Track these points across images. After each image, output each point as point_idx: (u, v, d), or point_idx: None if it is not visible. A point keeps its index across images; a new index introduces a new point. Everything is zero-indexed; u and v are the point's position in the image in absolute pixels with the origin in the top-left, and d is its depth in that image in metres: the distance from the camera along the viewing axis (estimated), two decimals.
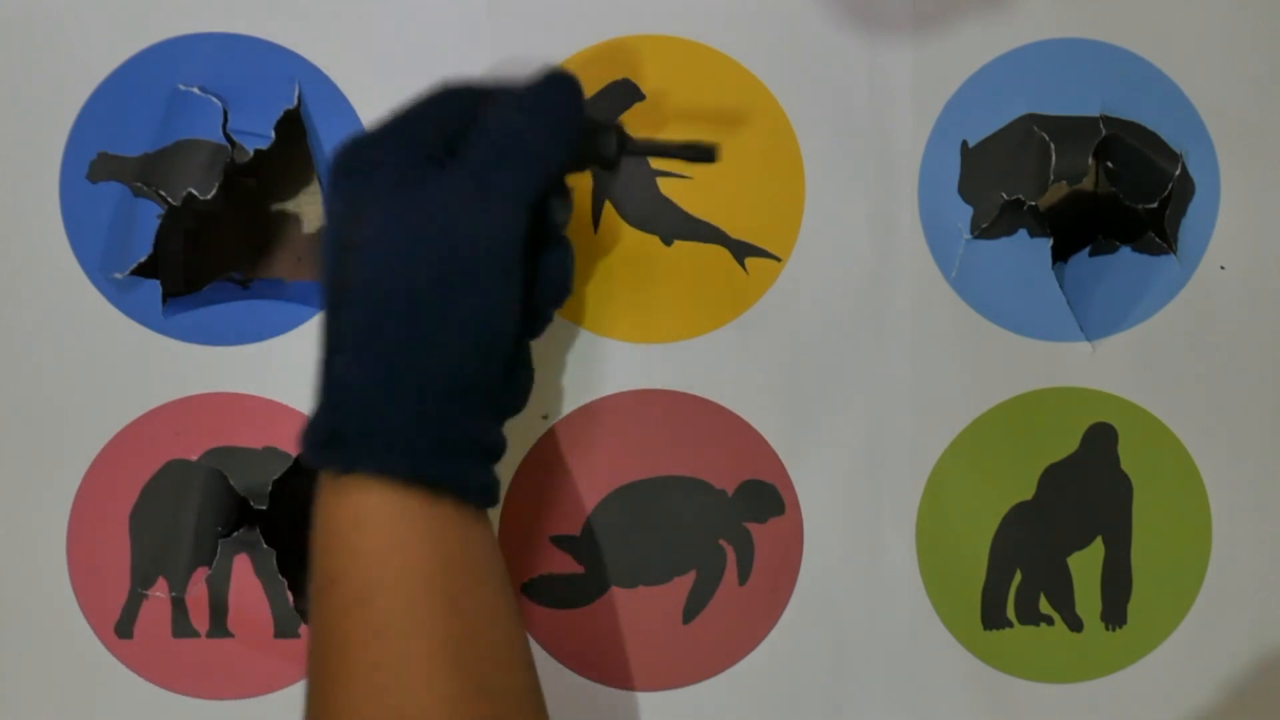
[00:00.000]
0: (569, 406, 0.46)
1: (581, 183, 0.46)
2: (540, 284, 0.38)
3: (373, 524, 0.34)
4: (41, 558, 0.46)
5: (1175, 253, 0.47)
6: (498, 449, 0.38)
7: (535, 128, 0.36)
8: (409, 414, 0.35)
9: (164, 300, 0.45)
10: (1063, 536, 0.48)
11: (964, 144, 0.47)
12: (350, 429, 0.35)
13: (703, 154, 0.39)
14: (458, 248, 0.34)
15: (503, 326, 0.36)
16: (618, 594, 0.47)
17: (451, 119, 0.37)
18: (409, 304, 0.34)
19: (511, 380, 0.38)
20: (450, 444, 0.35)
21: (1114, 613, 0.49)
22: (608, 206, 0.46)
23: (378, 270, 0.34)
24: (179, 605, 0.46)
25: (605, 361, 0.46)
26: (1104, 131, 0.46)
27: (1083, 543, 0.49)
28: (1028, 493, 0.48)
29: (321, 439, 0.35)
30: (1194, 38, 0.47)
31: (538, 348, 0.46)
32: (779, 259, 0.47)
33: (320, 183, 0.45)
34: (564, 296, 0.39)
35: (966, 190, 0.47)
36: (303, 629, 0.46)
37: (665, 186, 0.46)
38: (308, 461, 0.36)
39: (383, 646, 0.34)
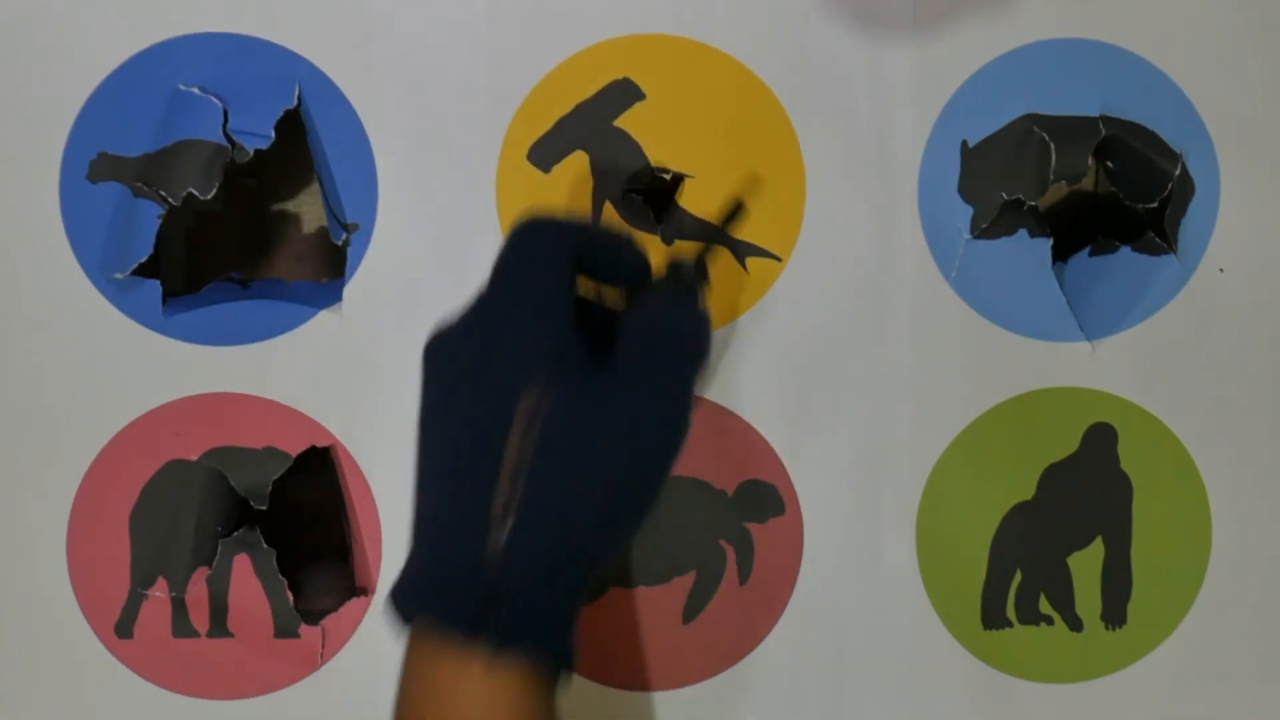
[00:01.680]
0: None
1: (581, 182, 0.46)
2: None
3: (512, 698, 0.34)
4: (41, 558, 0.46)
5: (1175, 253, 0.47)
6: None
7: (690, 333, 0.37)
8: (567, 594, 0.34)
9: (164, 300, 0.45)
10: (1063, 536, 0.48)
11: (964, 144, 0.47)
12: (512, 604, 0.33)
13: (737, 213, 0.43)
14: (643, 439, 0.35)
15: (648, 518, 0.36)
16: (618, 594, 0.47)
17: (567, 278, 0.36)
18: (600, 487, 0.34)
19: None
20: (570, 623, 0.35)
21: (1114, 613, 0.49)
22: (608, 207, 0.46)
23: (567, 448, 0.34)
24: (179, 605, 0.46)
25: None
26: (1104, 131, 0.46)
27: (1083, 543, 0.49)
28: (1028, 493, 0.48)
29: (471, 611, 0.33)
30: (1194, 38, 0.47)
31: None
32: (779, 259, 0.47)
33: (321, 183, 0.45)
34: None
35: (966, 190, 0.47)
36: (303, 629, 0.46)
37: None
38: (445, 623, 0.34)
39: None
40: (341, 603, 0.46)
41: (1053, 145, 0.45)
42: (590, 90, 0.45)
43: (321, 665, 0.47)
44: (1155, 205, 0.47)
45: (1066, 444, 0.48)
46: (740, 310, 0.47)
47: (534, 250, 0.36)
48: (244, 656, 0.46)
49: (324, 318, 0.46)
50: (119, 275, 0.44)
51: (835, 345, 0.47)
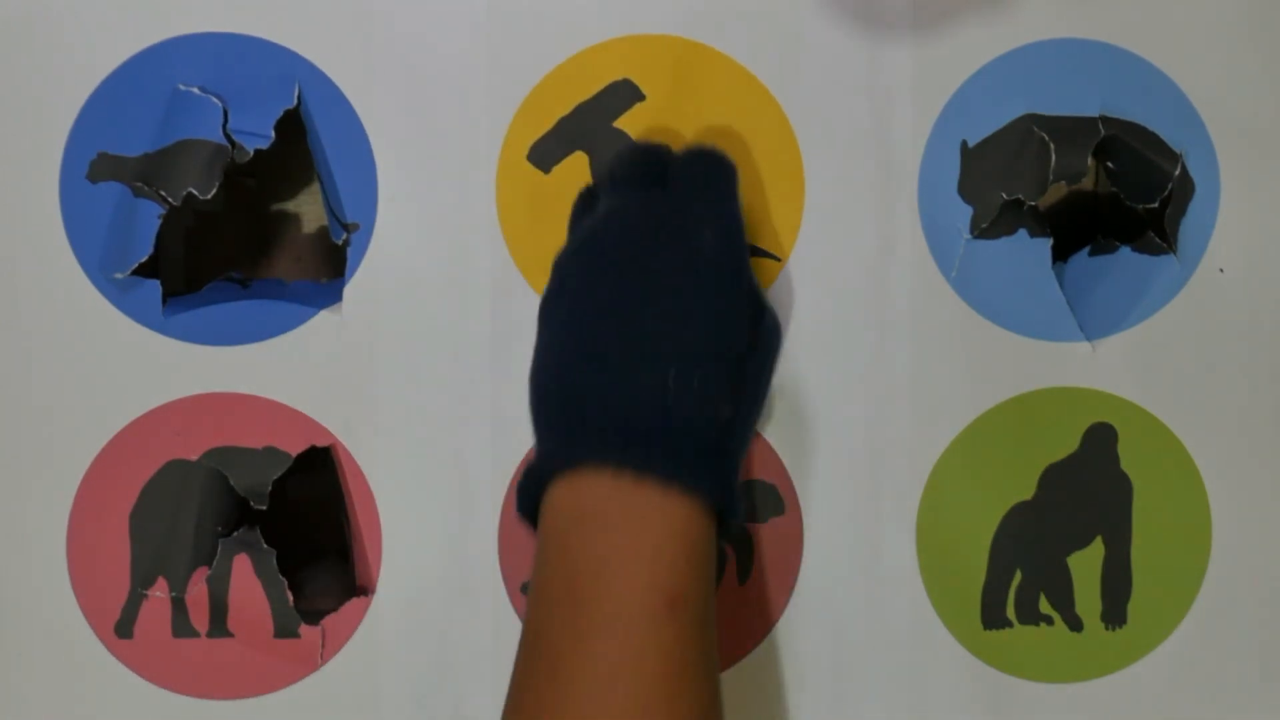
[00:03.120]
0: None
1: (581, 182, 0.46)
2: None
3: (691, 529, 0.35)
4: (41, 558, 0.46)
5: (1175, 253, 0.47)
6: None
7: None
8: (729, 437, 0.37)
9: (164, 300, 0.45)
10: (1063, 536, 0.48)
11: (964, 144, 0.47)
12: (685, 442, 0.35)
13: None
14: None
15: None
16: None
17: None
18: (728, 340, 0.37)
19: None
20: (734, 471, 0.37)
21: (1114, 613, 0.49)
22: None
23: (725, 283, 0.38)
24: (179, 605, 0.46)
25: None
26: (1104, 131, 0.46)
27: (1083, 543, 0.49)
28: (1028, 493, 0.48)
29: (666, 451, 0.35)
30: (1194, 38, 0.47)
31: None
32: (779, 259, 0.47)
33: (321, 183, 0.45)
34: None
35: (966, 190, 0.47)
36: (303, 629, 0.46)
37: None
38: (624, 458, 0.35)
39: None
40: (341, 603, 0.46)
41: (1053, 145, 0.45)
42: (590, 90, 0.45)
43: (321, 665, 0.47)
44: (1155, 205, 0.47)
45: (1066, 444, 0.48)
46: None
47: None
48: (244, 656, 0.46)
49: (324, 318, 0.46)
50: (119, 275, 0.44)
51: (835, 345, 0.47)
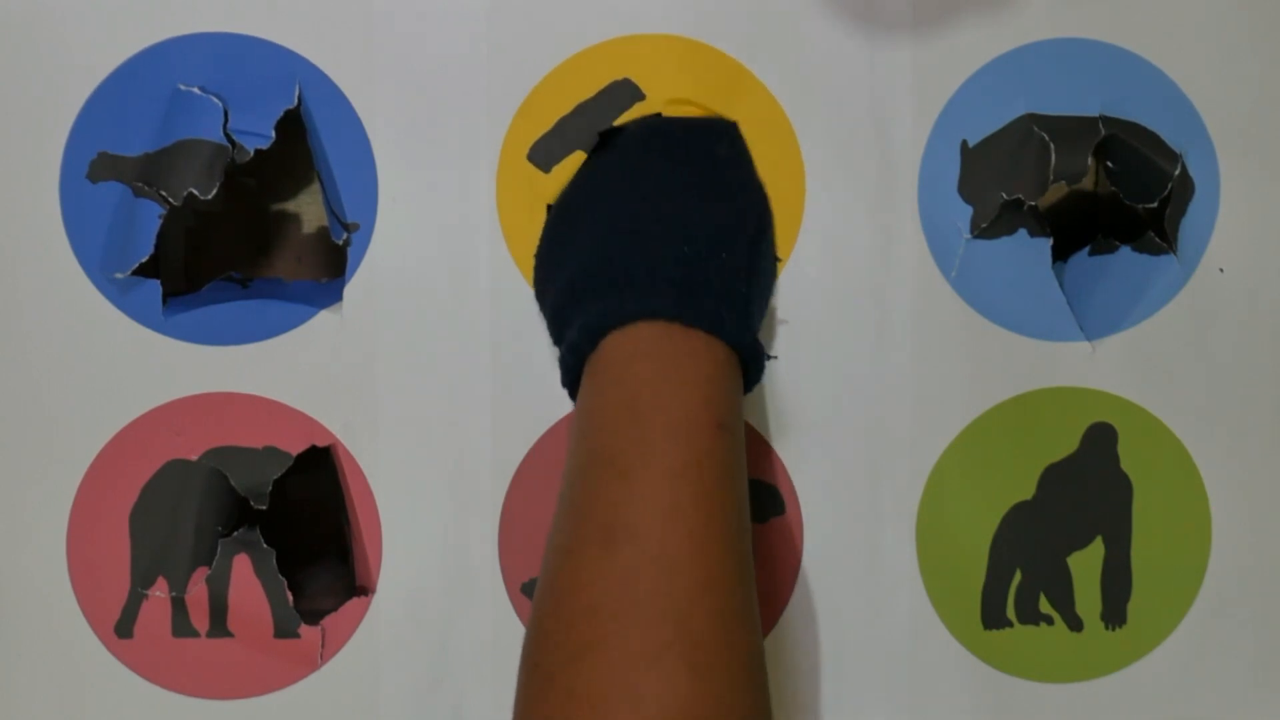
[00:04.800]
0: (570, 405, 0.46)
1: None
2: None
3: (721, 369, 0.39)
4: (41, 558, 0.46)
5: (1175, 253, 0.47)
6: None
7: None
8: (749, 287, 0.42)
9: (164, 300, 0.45)
10: (1063, 536, 0.48)
11: (964, 144, 0.47)
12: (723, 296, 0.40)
13: None
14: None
15: None
16: None
17: None
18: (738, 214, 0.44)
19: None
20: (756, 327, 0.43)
21: (1114, 613, 0.49)
22: None
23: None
24: (179, 605, 0.46)
25: None
26: (1104, 131, 0.46)
27: (1083, 543, 0.49)
28: (1028, 493, 0.48)
29: (706, 304, 0.39)
30: (1194, 38, 0.47)
31: (538, 348, 0.46)
32: (779, 259, 0.47)
33: (321, 183, 0.45)
34: None
35: (966, 190, 0.47)
36: (303, 629, 0.46)
37: None
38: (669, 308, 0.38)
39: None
40: (341, 603, 0.46)
41: (1052, 145, 0.45)
42: (590, 90, 0.45)
43: (321, 665, 0.47)
44: (1155, 205, 0.47)
45: (1066, 444, 0.48)
46: None
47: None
48: (244, 656, 0.46)
49: (324, 318, 0.46)
50: (119, 275, 0.44)
51: (835, 345, 0.47)
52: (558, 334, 0.42)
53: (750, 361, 0.40)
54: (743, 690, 0.33)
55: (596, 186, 0.44)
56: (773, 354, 0.46)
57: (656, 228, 0.41)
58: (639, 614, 0.33)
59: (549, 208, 0.45)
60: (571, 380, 0.40)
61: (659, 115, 0.45)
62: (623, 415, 0.37)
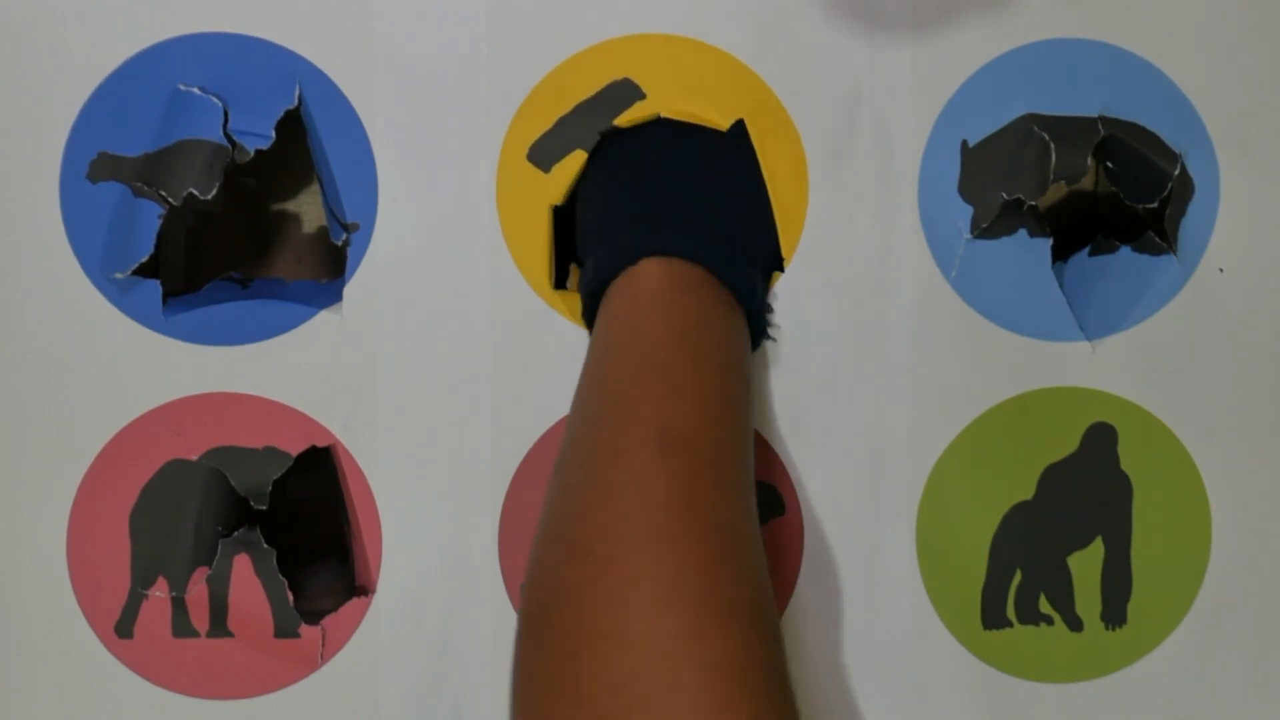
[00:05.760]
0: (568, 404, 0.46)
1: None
2: None
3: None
4: (41, 558, 0.46)
5: (1175, 253, 0.47)
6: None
7: None
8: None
9: (164, 300, 0.45)
10: (1063, 536, 0.48)
11: (964, 144, 0.47)
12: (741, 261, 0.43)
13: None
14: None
15: None
16: None
17: None
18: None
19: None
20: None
21: (1114, 613, 0.49)
22: None
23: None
24: (179, 605, 0.46)
25: None
26: (1103, 131, 0.46)
27: (1083, 543, 0.49)
28: (1028, 492, 0.48)
29: (730, 251, 0.43)
30: (1194, 38, 0.47)
31: (538, 348, 0.46)
32: (780, 258, 0.47)
33: (321, 183, 0.45)
34: None
35: (966, 190, 0.47)
36: (303, 629, 0.46)
37: None
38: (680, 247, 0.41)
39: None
40: (341, 603, 0.46)
41: (1052, 145, 0.45)
42: (590, 90, 0.45)
43: (321, 665, 0.47)
44: (1155, 205, 0.47)
45: (1066, 444, 0.48)
46: None
47: None
48: (244, 656, 0.46)
49: (324, 318, 0.46)
50: (119, 275, 0.44)
51: (835, 345, 0.47)
52: (599, 245, 0.43)
53: (757, 332, 0.44)
54: (772, 598, 0.36)
55: (630, 150, 0.46)
56: (772, 335, 0.47)
57: (687, 190, 0.44)
58: (697, 519, 0.34)
59: (553, 208, 0.46)
60: (593, 308, 0.42)
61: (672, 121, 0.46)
62: (674, 340, 0.39)
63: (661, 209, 0.43)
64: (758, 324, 0.44)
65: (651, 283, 0.41)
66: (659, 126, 0.45)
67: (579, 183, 0.46)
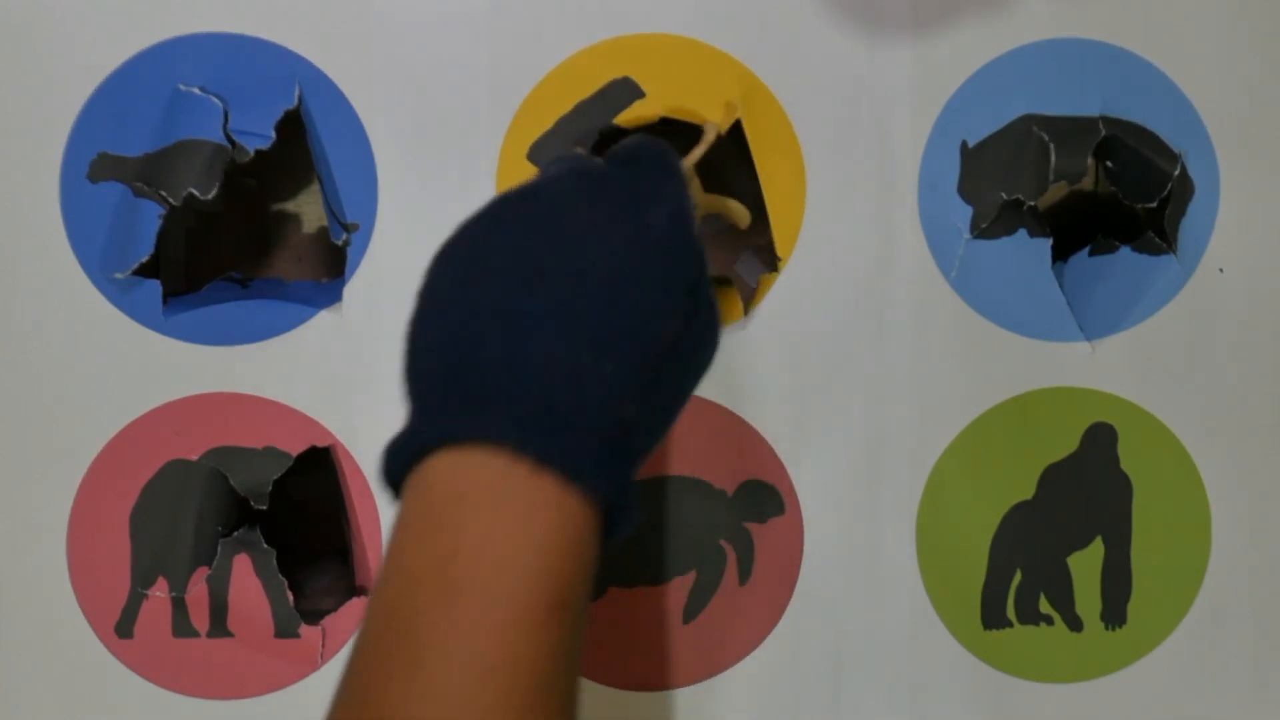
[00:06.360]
0: None
1: None
2: None
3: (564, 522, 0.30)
4: (41, 558, 0.46)
5: (1175, 253, 0.47)
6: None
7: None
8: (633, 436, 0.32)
9: (164, 300, 0.45)
10: (1063, 536, 0.48)
11: (964, 144, 0.47)
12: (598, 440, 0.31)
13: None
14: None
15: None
16: (617, 594, 0.47)
17: None
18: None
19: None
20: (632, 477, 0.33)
21: (1114, 613, 0.49)
22: None
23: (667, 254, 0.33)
24: (179, 605, 0.46)
25: None
26: (1103, 131, 0.46)
27: (1083, 543, 0.49)
28: (1028, 493, 0.48)
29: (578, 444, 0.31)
30: (1194, 38, 0.47)
31: None
32: (779, 258, 0.47)
33: (321, 183, 0.45)
34: None
35: (966, 190, 0.47)
36: (303, 629, 0.46)
37: None
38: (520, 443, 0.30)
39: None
40: (341, 603, 0.46)
41: (1052, 145, 0.45)
42: (590, 90, 0.45)
43: (321, 665, 0.47)
44: (1155, 205, 0.47)
45: (1066, 444, 0.48)
46: (737, 316, 0.47)
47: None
48: (244, 656, 0.46)
49: (324, 318, 0.46)
50: (119, 275, 0.44)
51: (835, 345, 0.47)
52: (407, 396, 0.34)
53: (617, 517, 0.31)
54: None
55: (478, 236, 0.35)
56: (643, 516, 0.38)
57: (532, 321, 0.31)
58: None
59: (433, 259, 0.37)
60: (395, 479, 0.32)
61: (596, 159, 0.37)
62: (434, 579, 0.29)
63: (476, 372, 0.32)
64: (616, 507, 0.31)
65: (426, 492, 0.31)
66: (571, 175, 0.35)
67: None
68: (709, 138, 0.42)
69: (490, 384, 0.31)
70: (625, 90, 0.45)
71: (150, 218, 0.44)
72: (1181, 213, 0.47)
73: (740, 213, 0.44)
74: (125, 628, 0.46)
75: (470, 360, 0.32)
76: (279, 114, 0.44)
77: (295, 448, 0.46)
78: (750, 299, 0.47)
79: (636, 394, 0.32)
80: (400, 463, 0.32)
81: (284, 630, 0.46)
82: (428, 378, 0.33)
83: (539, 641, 0.29)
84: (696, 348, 0.34)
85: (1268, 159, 0.47)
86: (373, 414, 0.46)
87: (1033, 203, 0.46)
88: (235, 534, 0.46)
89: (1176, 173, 0.46)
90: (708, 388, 0.47)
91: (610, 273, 0.32)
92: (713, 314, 0.35)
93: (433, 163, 0.45)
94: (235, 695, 0.46)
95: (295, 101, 0.44)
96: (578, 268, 0.32)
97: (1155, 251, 0.47)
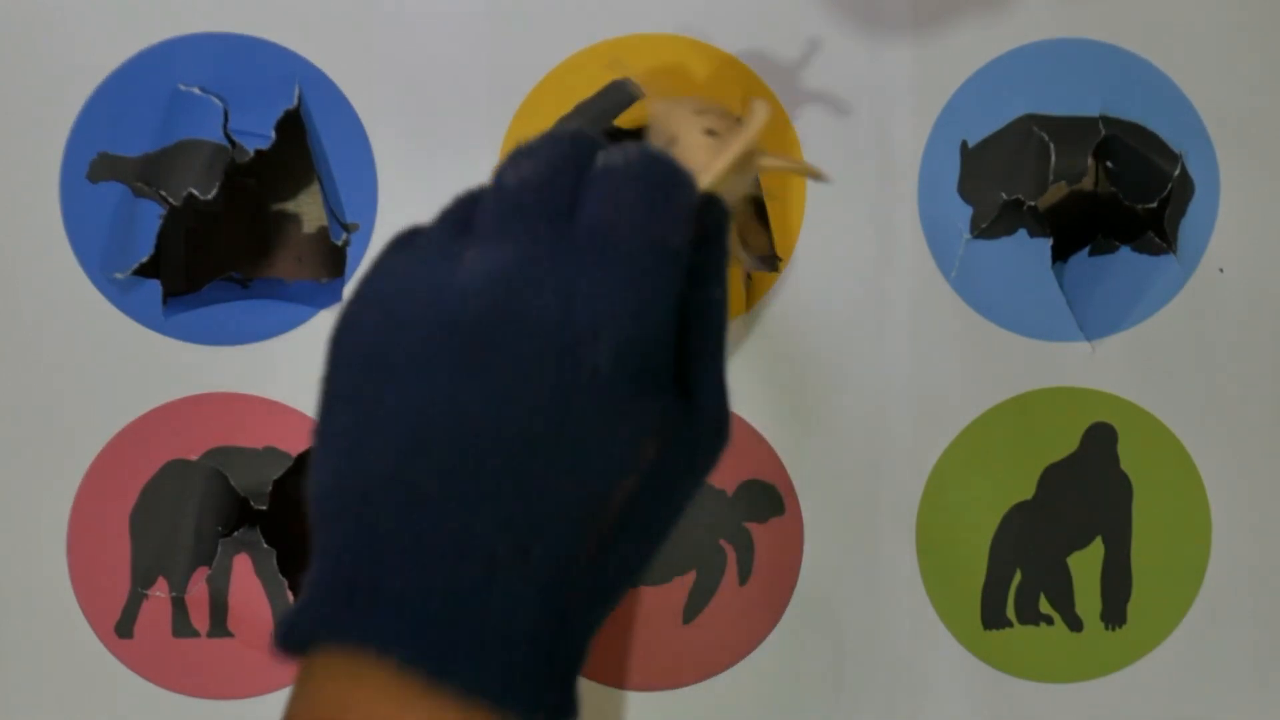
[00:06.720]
0: None
1: None
2: None
3: None
4: (41, 558, 0.46)
5: (1175, 253, 0.47)
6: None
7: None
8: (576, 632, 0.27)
9: (164, 300, 0.45)
10: (1063, 536, 0.48)
11: (964, 144, 0.47)
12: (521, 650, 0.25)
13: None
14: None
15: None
16: None
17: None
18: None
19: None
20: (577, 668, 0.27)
21: (1114, 613, 0.49)
22: None
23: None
24: (179, 605, 0.46)
25: None
26: (1104, 131, 0.46)
27: (1083, 543, 0.49)
28: (1028, 492, 0.48)
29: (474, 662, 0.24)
30: (1194, 38, 0.47)
31: None
32: (779, 259, 0.47)
33: (321, 183, 0.45)
34: None
35: (966, 190, 0.47)
36: None
37: None
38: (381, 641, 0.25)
39: None
40: None
41: (1052, 145, 0.45)
42: (590, 90, 0.45)
43: None
44: (1155, 205, 0.47)
45: (1066, 444, 0.48)
46: (740, 310, 0.47)
47: None
48: (244, 656, 0.46)
49: (324, 318, 0.46)
50: (119, 275, 0.44)
51: (835, 345, 0.47)
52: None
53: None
54: None
55: (378, 345, 0.26)
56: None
57: (423, 489, 0.24)
58: None
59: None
60: (291, 649, 0.27)
61: (560, 193, 0.28)
62: None
63: (365, 552, 0.25)
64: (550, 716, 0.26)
65: (325, 693, 0.26)
66: (485, 283, 0.26)
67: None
68: (760, 117, 0.34)
69: (381, 572, 0.24)
70: (625, 91, 0.45)
71: (150, 218, 0.44)
72: (1181, 213, 0.47)
73: (812, 170, 0.38)
74: (125, 628, 0.46)
75: (364, 528, 0.25)
76: (279, 114, 0.44)
77: (295, 448, 0.46)
78: (751, 295, 0.47)
79: (579, 574, 0.26)
80: (291, 643, 0.26)
81: None
82: (325, 526, 0.26)
83: None
84: (673, 484, 0.28)
85: (1268, 159, 0.47)
86: None
87: (1033, 203, 0.46)
88: (235, 534, 0.46)
89: (1176, 173, 0.46)
90: None
91: (532, 433, 0.25)
92: (701, 424, 0.28)
93: (433, 163, 0.45)
94: (235, 695, 0.46)
95: (295, 101, 0.44)
96: (489, 424, 0.24)
97: (1155, 251, 0.47)
